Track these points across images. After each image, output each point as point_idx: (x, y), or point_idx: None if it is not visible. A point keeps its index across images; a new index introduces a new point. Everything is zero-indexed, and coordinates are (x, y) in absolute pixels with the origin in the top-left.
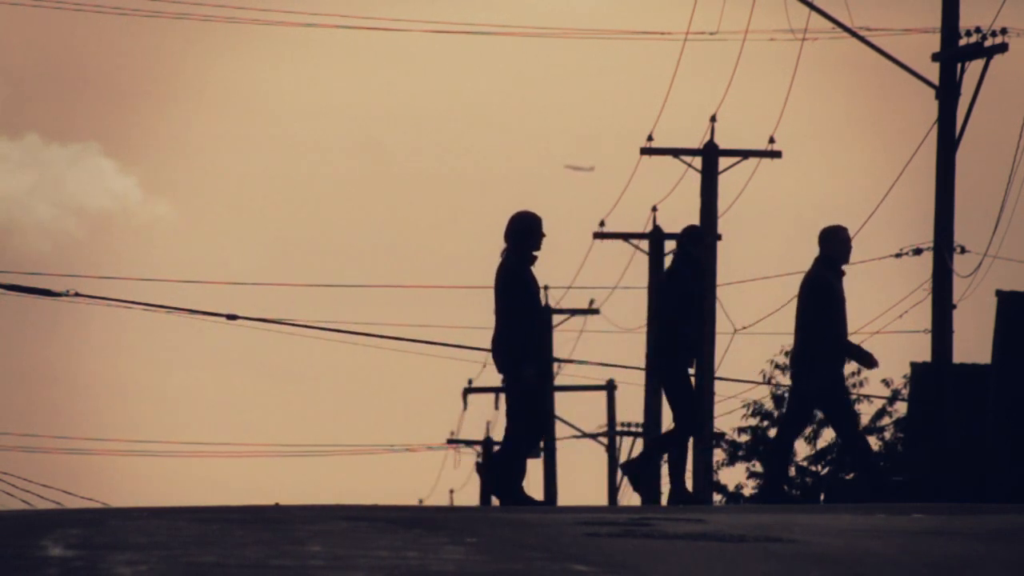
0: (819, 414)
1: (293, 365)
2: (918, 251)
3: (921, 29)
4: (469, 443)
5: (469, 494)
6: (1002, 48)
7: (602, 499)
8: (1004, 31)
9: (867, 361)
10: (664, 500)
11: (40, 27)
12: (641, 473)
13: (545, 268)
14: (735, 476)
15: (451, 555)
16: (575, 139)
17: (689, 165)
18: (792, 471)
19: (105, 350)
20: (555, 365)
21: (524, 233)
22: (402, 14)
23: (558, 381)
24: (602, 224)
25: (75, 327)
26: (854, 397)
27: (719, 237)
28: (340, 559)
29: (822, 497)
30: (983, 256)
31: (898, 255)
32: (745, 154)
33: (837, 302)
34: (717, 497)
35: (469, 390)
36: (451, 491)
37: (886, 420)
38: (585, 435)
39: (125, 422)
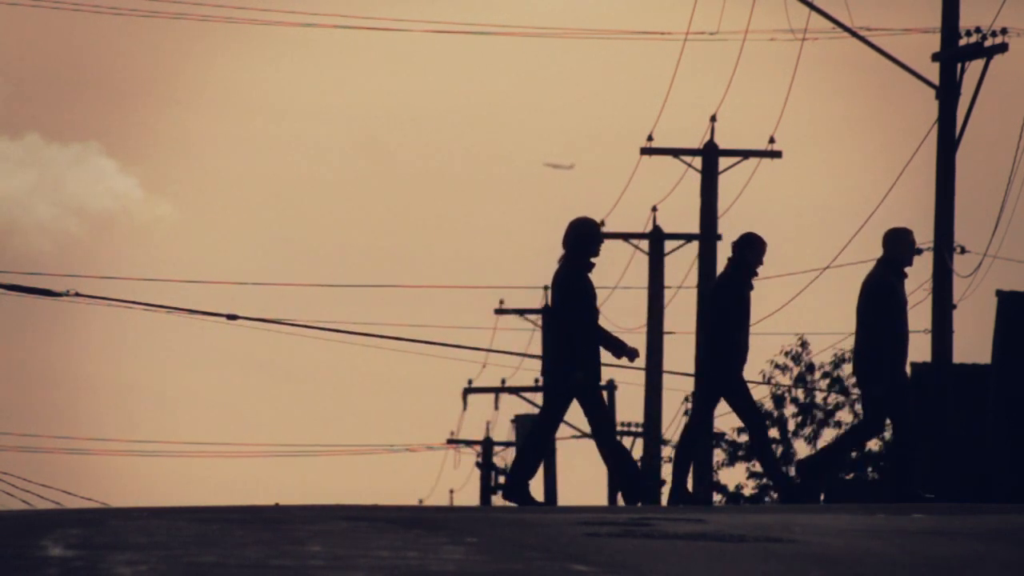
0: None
1: (293, 365)
2: (918, 251)
3: (921, 29)
4: (469, 443)
5: (469, 494)
6: (1002, 48)
7: (602, 499)
8: (1004, 31)
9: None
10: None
11: (41, 27)
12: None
13: (545, 268)
14: (735, 476)
15: (451, 555)
16: (575, 139)
17: (689, 165)
18: (792, 471)
19: (105, 350)
20: None
21: (582, 240)
22: (402, 14)
23: None
24: (602, 224)
25: (75, 327)
26: (854, 397)
27: (719, 237)
28: (340, 559)
29: (822, 497)
30: (983, 256)
31: None
32: (745, 154)
33: (899, 305)
34: (717, 497)
35: (469, 390)
36: (451, 491)
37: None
38: (585, 435)
39: (125, 422)
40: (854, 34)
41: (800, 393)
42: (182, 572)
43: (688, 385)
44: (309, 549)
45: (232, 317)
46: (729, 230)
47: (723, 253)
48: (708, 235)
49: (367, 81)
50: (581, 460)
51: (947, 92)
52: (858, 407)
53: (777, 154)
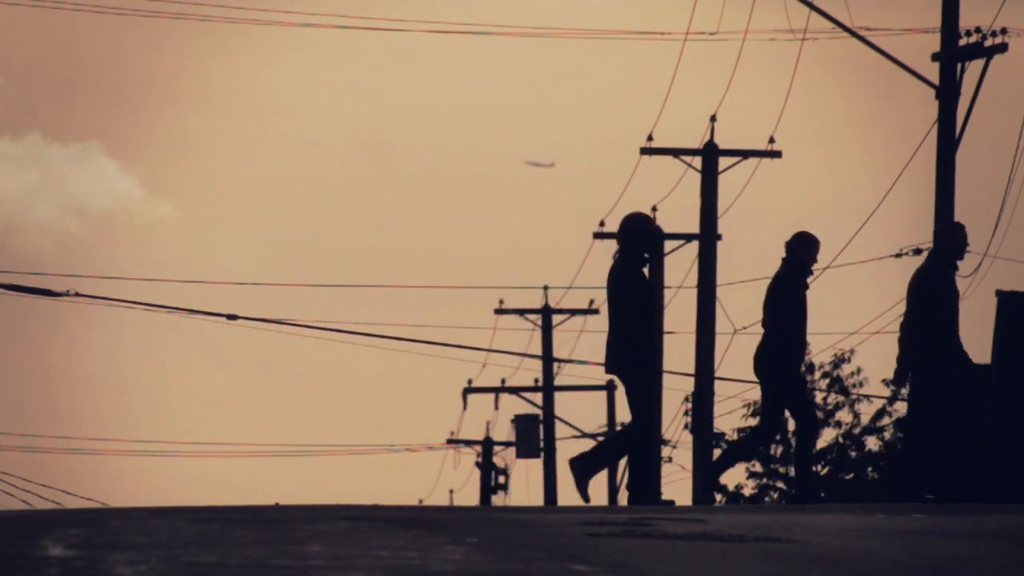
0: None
1: (293, 365)
2: (918, 251)
3: (921, 29)
4: (469, 443)
5: (469, 494)
6: (1002, 48)
7: (602, 499)
8: (1004, 31)
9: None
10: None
11: (41, 27)
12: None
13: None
14: (735, 476)
15: (451, 555)
16: (575, 139)
17: (689, 165)
18: (791, 471)
19: (105, 350)
20: (555, 365)
21: (636, 235)
22: (402, 14)
23: (557, 381)
24: (602, 224)
25: (75, 327)
26: (854, 397)
27: (719, 237)
28: (340, 559)
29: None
30: (983, 256)
31: (898, 255)
32: (745, 154)
33: (951, 297)
34: (717, 497)
35: (469, 390)
36: (451, 491)
37: (886, 420)
38: (585, 435)
39: (125, 422)
40: (854, 34)
41: None
42: (182, 572)
43: (688, 385)
44: (309, 549)
45: (232, 317)
46: (729, 230)
47: (723, 253)
48: (708, 235)
49: (367, 81)
50: None
51: (947, 92)
52: (858, 407)
53: (777, 154)
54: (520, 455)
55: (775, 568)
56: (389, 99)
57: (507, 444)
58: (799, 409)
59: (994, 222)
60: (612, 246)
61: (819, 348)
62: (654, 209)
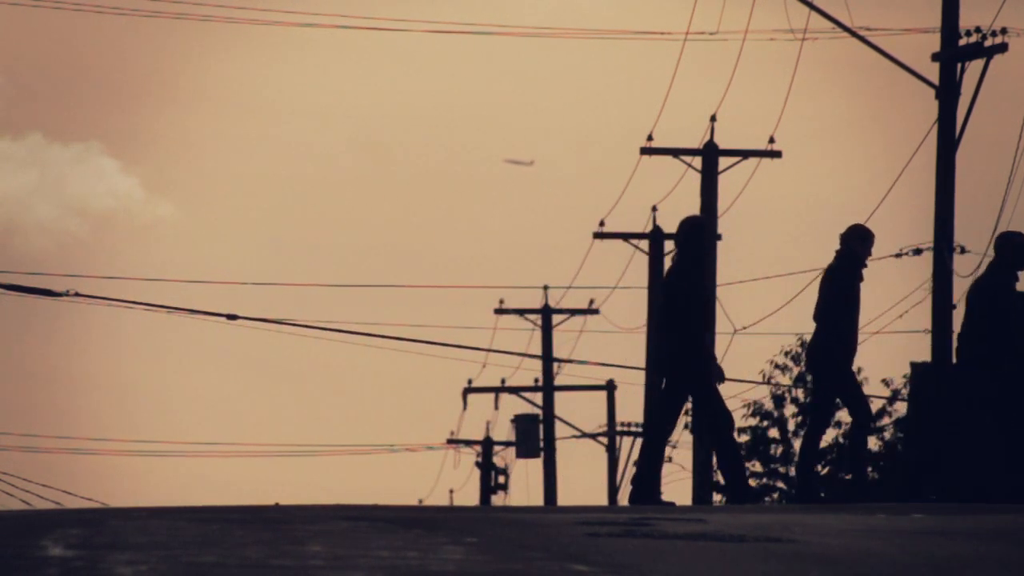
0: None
1: (293, 365)
2: (918, 251)
3: (921, 29)
4: (469, 443)
5: (469, 494)
6: (1002, 48)
7: (602, 499)
8: (1004, 31)
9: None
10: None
11: (42, 27)
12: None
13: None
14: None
15: (451, 555)
16: (575, 139)
17: (689, 165)
18: (791, 471)
19: (105, 350)
20: (555, 365)
21: (693, 237)
22: (402, 14)
23: (557, 381)
24: (602, 224)
25: (75, 327)
26: None
27: (719, 237)
28: (340, 559)
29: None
30: (983, 256)
31: (898, 255)
32: (745, 154)
33: (1013, 309)
34: (717, 497)
35: (469, 390)
36: (451, 491)
37: (886, 420)
38: (585, 435)
39: (125, 422)
40: (854, 34)
41: (800, 393)
42: (182, 572)
43: None
44: (309, 549)
45: (232, 317)
46: (729, 230)
47: (723, 253)
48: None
49: (367, 81)
50: (581, 460)
51: (947, 92)
52: None
53: (777, 154)
54: (520, 455)
55: (775, 568)
56: (389, 99)
57: (507, 444)
58: (852, 402)
59: (994, 222)
60: (613, 246)
61: None
62: (654, 209)
